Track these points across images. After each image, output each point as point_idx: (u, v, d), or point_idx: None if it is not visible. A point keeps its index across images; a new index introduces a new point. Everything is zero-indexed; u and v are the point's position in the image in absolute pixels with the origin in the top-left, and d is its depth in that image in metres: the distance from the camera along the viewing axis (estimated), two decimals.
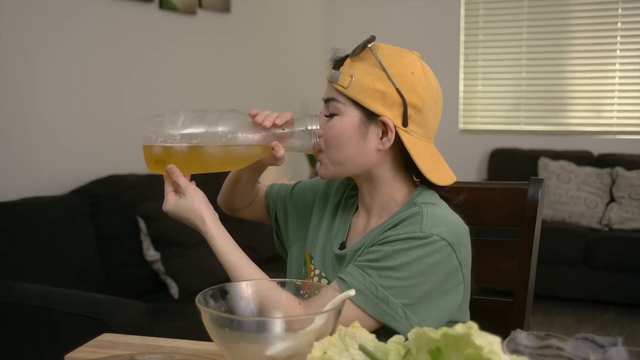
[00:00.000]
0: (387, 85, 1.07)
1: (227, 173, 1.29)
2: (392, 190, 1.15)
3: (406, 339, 0.67)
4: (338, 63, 1.13)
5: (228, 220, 1.25)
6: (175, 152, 1.09)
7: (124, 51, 3.05)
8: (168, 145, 1.09)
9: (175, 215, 1.11)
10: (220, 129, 1.09)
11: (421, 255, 1.03)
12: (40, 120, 2.63)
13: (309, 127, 1.11)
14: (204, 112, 1.12)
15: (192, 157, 1.10)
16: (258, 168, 1.24)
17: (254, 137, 1.11)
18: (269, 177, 3.60)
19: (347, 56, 1.13)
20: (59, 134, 2.71)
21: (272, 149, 1.10)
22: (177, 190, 1.11)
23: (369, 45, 1.10)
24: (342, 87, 1.09)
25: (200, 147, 1.09)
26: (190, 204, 1.09)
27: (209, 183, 1.39)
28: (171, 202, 1.11)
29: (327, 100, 1.12)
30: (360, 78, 1.08)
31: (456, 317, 1.10)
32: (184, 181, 1.10)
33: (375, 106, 1.08)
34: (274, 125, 1.10)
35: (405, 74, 1.08)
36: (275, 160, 1.13)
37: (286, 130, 1.11)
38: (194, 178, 1.15)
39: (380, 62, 1.08)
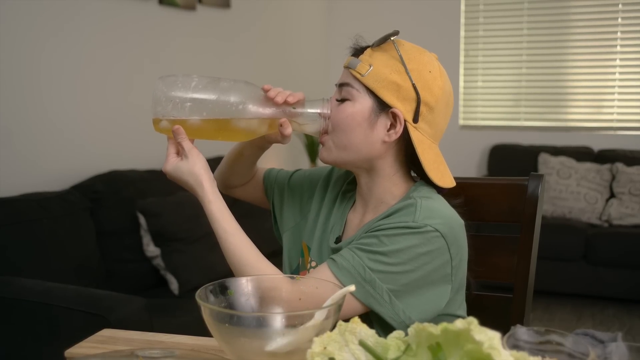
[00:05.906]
0: (404, 79, 1.08)
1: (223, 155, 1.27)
2: (391, 184, 1.15)
3: (406, 334, 0.68)
4: (358, 51, 1.13)
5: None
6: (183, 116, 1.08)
7: (124, 47, 3.05)
8: (177, 107, 1.08)
9: (175, 177, 1.11)
10: (232, 98, 1.09)
11: (413, 243, 1.03)
12: (40, 117, 2.62)
13: (320, 110, 1.11)
14: (217, 79, 1.11)
15: (198, 123, 1.09)
16: (262, 145, 1.25)
17: (264, 111, 1.10)
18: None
19: (368, 46, 1.13)
20: (59, 129, 2.71)
21: (281, 125, 1.11)
22: (179, 152, 1.11)
23: (392, 39, 1.10)
24: (360, 74, 1.10)
25: (208, 113, 1.08)
26: (192, 167, 1.09)
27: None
28: (172, 163, 1.11)
29: (342, 85, 1.13)
30: (378, 68, 1.09)
31: (452, 310, 1.10)
32: (188, 144, 1.10)
33: (389, 97, 1.08)
34: (286, 103, 1.11)
35: (423, 71, 1.09)
36: (281, 138, 1.14)
37: (297, 109, 1.11)
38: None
39: (400, 56, 1.09)
